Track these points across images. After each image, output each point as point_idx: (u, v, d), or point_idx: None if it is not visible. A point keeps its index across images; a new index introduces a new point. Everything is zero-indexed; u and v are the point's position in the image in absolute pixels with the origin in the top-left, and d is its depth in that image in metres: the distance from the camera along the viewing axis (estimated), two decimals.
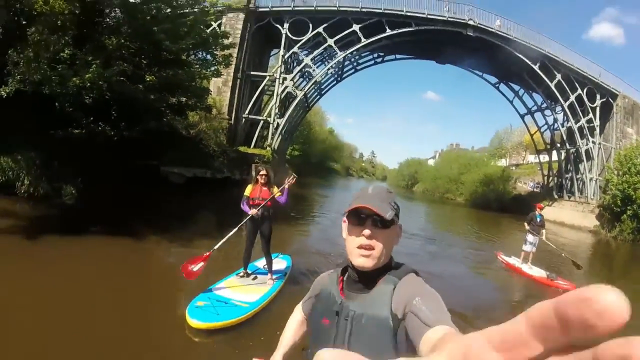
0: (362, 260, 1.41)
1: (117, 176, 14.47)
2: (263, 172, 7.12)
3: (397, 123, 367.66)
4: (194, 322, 5.23)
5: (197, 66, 17.08)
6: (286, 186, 7.17)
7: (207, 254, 6.31)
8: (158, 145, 16.73)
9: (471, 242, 17.75)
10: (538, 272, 11.19)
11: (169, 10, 14.82)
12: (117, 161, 14.50)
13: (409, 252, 12.10)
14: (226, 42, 18.15)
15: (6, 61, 12.18)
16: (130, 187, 14.73)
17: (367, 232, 1.40)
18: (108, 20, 14.30)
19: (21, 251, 7.44)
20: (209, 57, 17.76)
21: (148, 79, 13.39)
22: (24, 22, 12.63)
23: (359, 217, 1.42)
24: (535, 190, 46.36)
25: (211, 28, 18.20)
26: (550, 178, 40.90)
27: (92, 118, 12.80)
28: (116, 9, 13.93)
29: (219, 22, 25.92)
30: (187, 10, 15.90)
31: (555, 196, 37.98)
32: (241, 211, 6.96)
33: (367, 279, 1.44)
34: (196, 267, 6.08)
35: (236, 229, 6.91)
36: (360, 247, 1.41)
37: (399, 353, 1.26)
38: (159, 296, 6.31)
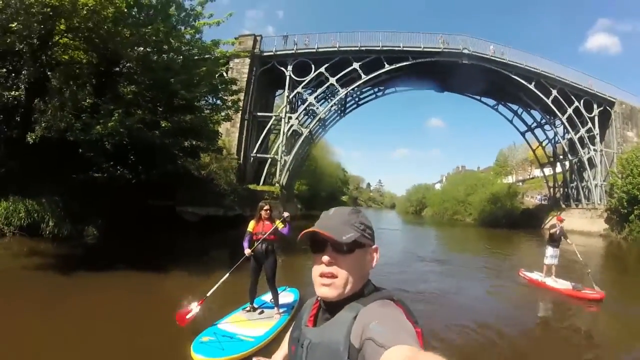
0: (324, 290, 1.29)
1: (135, 216, 15.35)
2: (266, 207, 7.15)
3: (403, 152, 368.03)
4: (198, 357, 5.27)
5: (208, 111, 18.07)
6: (286, 219, 7.11)
7: (201, 300, 6.30)
8: (173, 186, 17.65)
9: (486, 261, 17.63)
10: (563, 285, 10.77)
11: (180, 57, 15.89)
12: (135, 202, 15.38)
13: (420, 277, 12.35)
14: (234, 87, 19.24)
15: (32, 109, 13.23)
16: (148, 226, 15.59)
17: (325, 258, 1.29)
18: (125, 70, 15.33)
19: (44, 289, 8.10)
20: (218, 101, 18.75)
21: (163, 125, 14.31)
22: (48, 73, 13.68)
23: (317, 244, 1.31)
24: (543, 202, 46.95)
25: (217, 74, 19.25)
26: (556, 189, 41.80)
27: (112, 162, 13.74)
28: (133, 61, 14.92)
29: (226, 66, 27.22)
30: (198, 58, 17.00)
31: (563, 205, 38.62)
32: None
33: (334, 309, 1.30)
34: (189, 315, 6.08)
35: (227, 274, 6.82)
36: (321, 275, 1.29)
37: None
38: (166, 331, 6.29)
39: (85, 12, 11.76)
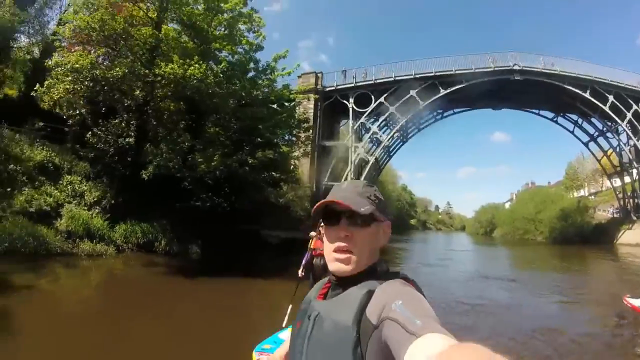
0: (338, 265, 1.23)
1: (228, 238, 18.04)
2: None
3: (469, 170, 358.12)
4: None
5: (285, 147, 21.01)
6: None
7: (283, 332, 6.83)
8: (258, 213, 20.28)
9: (562, 279, 17.83)
10: None
11: (265, 109, 18.93)
12: (228, 226, 18.06)
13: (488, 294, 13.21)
14: (306, 125, 22.10)
15: (144, 152, 16.26)
16: (238, 246, 18.21)
17: (342, 231, 1.23)
18: (216, 115, 18.28)
19: (160, 290, 10.90)
20: (293, 138, 21.63)
21: (250, 162, 17.17)
22: (154, 122, 16.81)
23: (333, 216, 1.26)
24: (615, 215, 45.41)
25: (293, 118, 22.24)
26: (627, 200, 40.53)
27: (210, 193, 16.54)
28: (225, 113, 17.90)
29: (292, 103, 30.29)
30: (274, 102, 19.97)
31: (634, 217, 37.76)
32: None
33: (346, 285, 1.23)
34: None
35: (290, 305, 7.18)
36: (337, 250, 1.23)
37: None
38: (236, 337, 7.30)
39: (194, 82, 14.75)
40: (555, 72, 33.79)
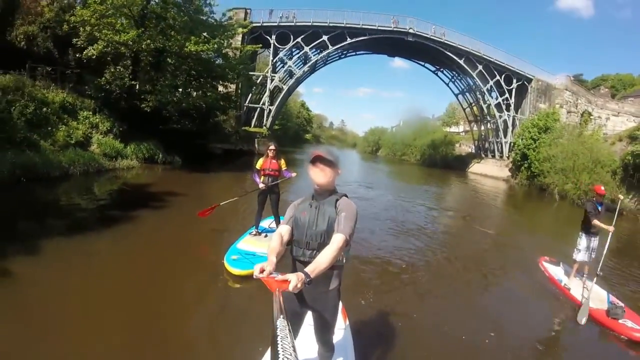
0: (321, 180, 2.73)
1: (191, 150, 24.45)
2: (272, 147, 7.70)
3: (367, 91, 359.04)
4: (236, 271, 6.32)
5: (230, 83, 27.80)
6: (292, 175, 8.16)
7: (215, 205, 7.69)
8: (204, 131, 26.87)
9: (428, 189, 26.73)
10: (595, 299, 6.54)
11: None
12: (190, 141, 24.54)
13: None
14: (250, 66, 29.01)
15: (143, 91, 21.22)
16: (198, 156, 24.96)
17: (321, 166, 2.71)
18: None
19: (160, 185, 16.70)
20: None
21: (210, 95, 23.79)
22: (148, 68, 22.02)
23: (318, 160, 2.70)
24: (473, 152, 56.17)
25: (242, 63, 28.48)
26: (480, 142, 51.62)
27: (182, 119, 23.17)
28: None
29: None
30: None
31: (483, 155, 49.28)
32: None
33: (325, 193, 2.80)
34: (207, 213, 7.66)
35: (237, 198, 8.26)
36: (319, 175, 2.72)
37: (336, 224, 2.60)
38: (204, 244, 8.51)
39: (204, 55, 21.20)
40: (441, 40, 41.99)
